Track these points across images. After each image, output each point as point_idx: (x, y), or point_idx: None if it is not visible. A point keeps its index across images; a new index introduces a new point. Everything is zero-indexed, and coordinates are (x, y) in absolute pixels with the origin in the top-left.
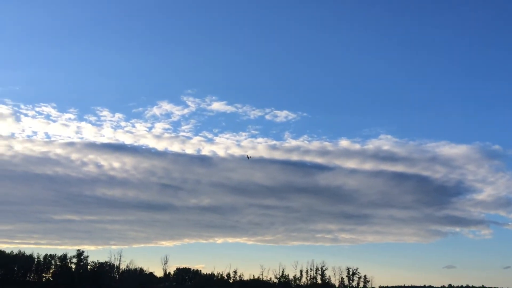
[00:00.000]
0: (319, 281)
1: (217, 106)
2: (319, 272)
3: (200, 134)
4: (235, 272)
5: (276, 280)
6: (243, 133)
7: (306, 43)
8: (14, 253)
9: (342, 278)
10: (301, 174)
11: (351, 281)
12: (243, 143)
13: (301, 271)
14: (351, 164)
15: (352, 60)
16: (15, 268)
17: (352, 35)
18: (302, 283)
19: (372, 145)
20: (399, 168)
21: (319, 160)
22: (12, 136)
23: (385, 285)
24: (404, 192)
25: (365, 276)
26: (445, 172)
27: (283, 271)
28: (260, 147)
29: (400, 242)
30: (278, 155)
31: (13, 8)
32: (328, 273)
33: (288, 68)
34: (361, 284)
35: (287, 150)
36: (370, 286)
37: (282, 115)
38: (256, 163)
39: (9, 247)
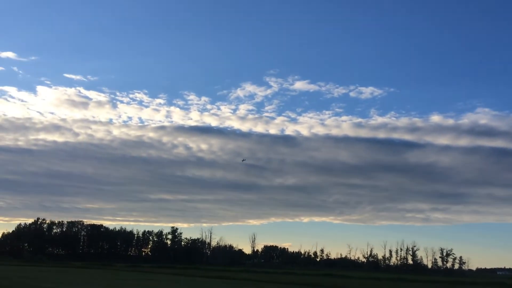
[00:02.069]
0: (410, 261)
1: (300, 85)
2: (410, 252)
3: (284, 114)
4: (322, 250)
5: (364, 260)
6: (327, 112)
7: (389, 14)
8: (117, 229)
9: (435, 259)
10: (388, 152)
11: (445, 262)
12: (327, 121)
13: (390, 251)
14: (443, 140)
15: (441, 27)
16: (118, 243)
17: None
18: (392, 263)
19: (467, 119)
20: (499, 143)
21: (408, 137)
22: (110, 122)
23: (483, 267)
24: (505, 169)
25: (460, 257)
26: None
27: (371, 251)
28: (344, 126)
29: (501, 222)
30: (363, 133)
31: (105, 1)
32: (419, 254)
33: (372, 42)
34: (456, 266)
35: (373, 127)
36: (466, 267)
37: (367, 91)
38: (341, 142)
39: (112, 223)
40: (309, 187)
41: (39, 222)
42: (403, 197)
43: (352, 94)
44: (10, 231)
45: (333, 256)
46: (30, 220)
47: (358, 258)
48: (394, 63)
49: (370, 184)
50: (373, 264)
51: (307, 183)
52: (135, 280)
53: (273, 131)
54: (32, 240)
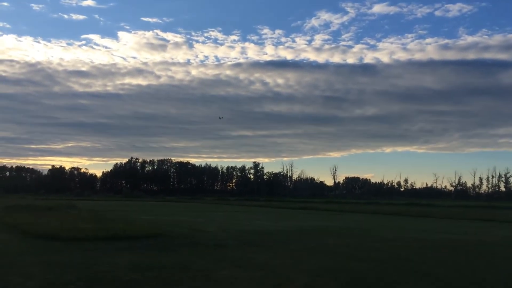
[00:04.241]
0: (503, 188)
1: (379, 8)
2: (503, 179)
3: (362, 41)
4: (405, 180)
5: (451, 188)
6: (409, 35)
7: None
8: (202, 166)
9: None
10: (479, 74)
11: None
12: (410, 45)
13: (480, 179)
14: None
15: None
16: (205, 179)
17: None
18: (482, 191)
19: None
20: None
21: (502, 56)
22: (188, 62)
23: None
24: None
25: None
26: None
27: (459, 179)
28: (429, 49)
29: None
30: (450, 55)
31: None
32: None
33: None
34: None
35: (461, 48)
36: None
37: (455, 8)
38: (425, 67)
39: (198, 161)
40: (390, 116)
41: (132, 161)
42: (496, 122)
43: (437, 13)
44: (109, 170)
45: (418, 185)
46: (124, 160)
47: (445, 187)
48: None
49: (458, 110)
50: (461, 193)
51: (389, 113)
52: (226, 211)
53: (351, 60)
54: (128, 178)
